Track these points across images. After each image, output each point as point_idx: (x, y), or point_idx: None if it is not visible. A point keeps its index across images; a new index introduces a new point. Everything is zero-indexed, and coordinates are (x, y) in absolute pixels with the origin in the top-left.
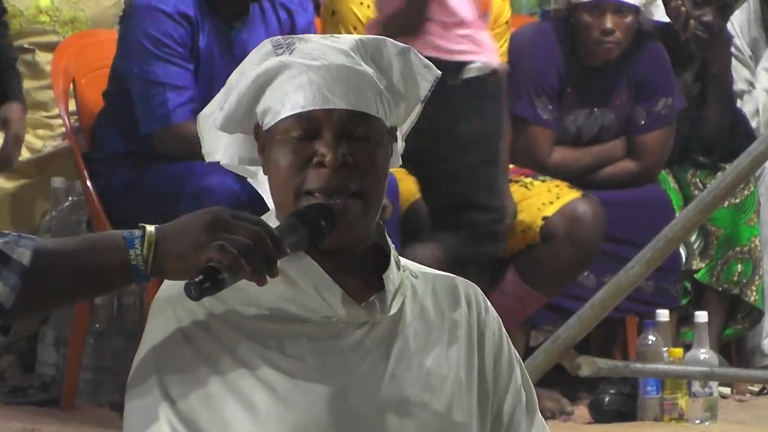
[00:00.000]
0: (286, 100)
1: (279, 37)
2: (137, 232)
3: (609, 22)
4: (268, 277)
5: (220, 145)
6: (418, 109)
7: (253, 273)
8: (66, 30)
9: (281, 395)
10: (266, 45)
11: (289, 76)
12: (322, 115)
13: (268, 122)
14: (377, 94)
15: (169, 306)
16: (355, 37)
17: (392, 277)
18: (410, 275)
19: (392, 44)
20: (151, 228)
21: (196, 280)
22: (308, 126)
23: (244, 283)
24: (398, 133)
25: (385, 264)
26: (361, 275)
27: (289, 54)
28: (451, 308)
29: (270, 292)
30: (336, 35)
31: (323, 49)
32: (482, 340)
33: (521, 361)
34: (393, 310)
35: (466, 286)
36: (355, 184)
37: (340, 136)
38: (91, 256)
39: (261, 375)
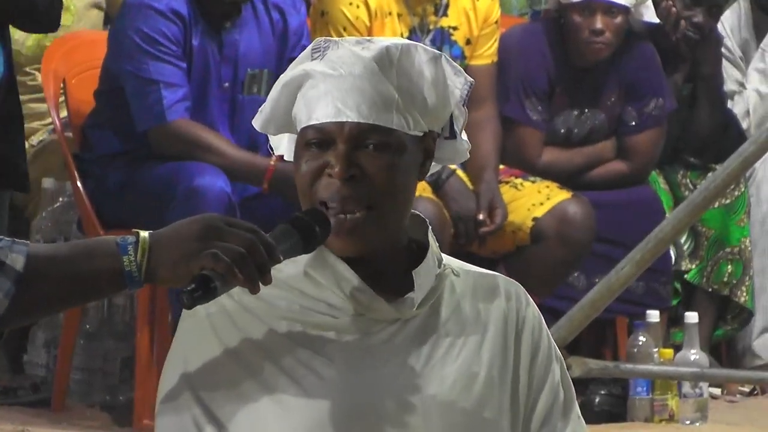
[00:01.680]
0: (306, 110)
1: (322, 39)
2: (130, 238)
3: (599, 23)
4: (274, 282)
5: (283, 140)
6: (463, 109)
7: (246, 281)
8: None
9: (307, 391)
10: (309, 47)
11: (311, 85)
12: (335, 127)
13: (297, 128)
14: (394, 105)
15: (201, 307)
16: (386, 42)
17: (424, 274)
18: (451, 273)
19: (423, 50)
20: (144, 234)
21: (188, 289)
22: (323, 137)
23: (274, 283)
24: (456, 131)
25: (422, 261)
26: (397, 272)
27: (320, 60)
28: (489, 306)
29: (299, 292)
30: (372, 39)
31: (347, 57)
32: (519, 338)
33: (562, 359)
34: (424, 307)
35: (507, 283)
36: (366, 195)
37: (352, 147)
38: (84, 262)
39: (289, 371)
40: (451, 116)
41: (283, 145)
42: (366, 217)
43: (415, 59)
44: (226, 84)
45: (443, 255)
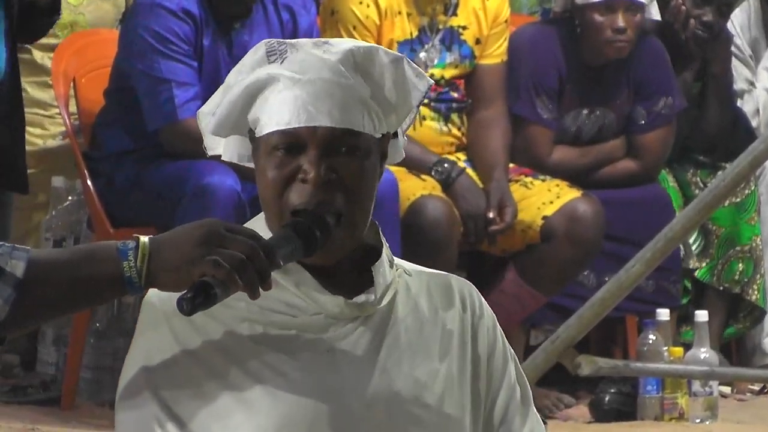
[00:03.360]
0: (273, 115)
1: (274, 41)
2: (131, 243)
3: (621, 21)
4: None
5: (221, 140)
6: (413, 113)
7: (246, 287)
8: (66, 33)
9: (271, 389)
10: (261, 49)
11: (276, 89)
12: (307, 132)
13: (258, 132)
14: (364, 109)
15: (161, 309)
16: (347, 45)
17: (382, 271)
18: (404, 273)
19: (385, 53)
20: (144, 239)
21: (189, 296)
22: (293, 141)
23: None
24: (399, 131)
25: (376, 262)
26: (351, 273)
27: (280, 63)
28: (445, 305)
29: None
30: (329, 41)
31: (311, 61)
32: (476, 337)
33: (516, 356)
34: (381, 304)
35: (460, 284)
36: (340, 200)
37: (325, 152)
38: (84, 268)
39: (252, 371)
40: None
41: (220, 145)
42: (337, 227)
43: (376, 61)
44: None
45: (394, 257)
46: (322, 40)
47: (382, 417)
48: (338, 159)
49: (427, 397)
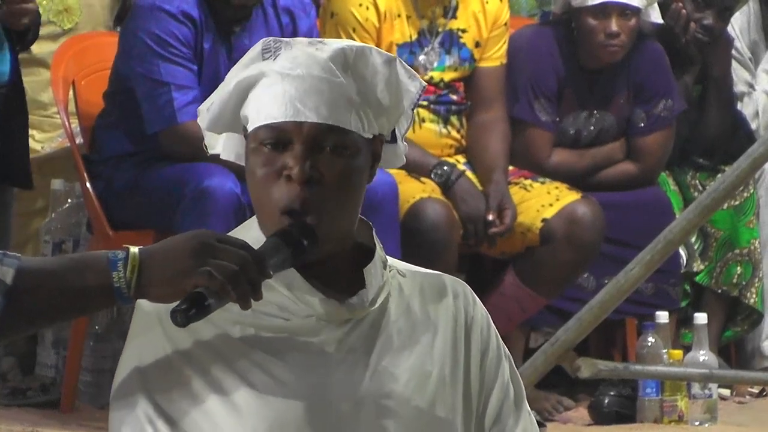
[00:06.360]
0: (261, 110)
1: (271, 39)
2: (121, 254)
3: (614, 25)
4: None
5: (220, 139)
6: (410, 114)
7: (239, 298)
8: (61, 19)
9: (261, 392)
10: (258, 47)
11: (266, 84)
12: (293, 128)
13: (248, 128)
14: (352, 107)
15: (154, 312)
16: (341, 44)
17: (374, 273)
18: (397, 274)
19: (378, 53)
20: (134, 250)
21: (183, 307)
22: (279, 137)
23: None
24: (398, 136)
25: (369, 263)
26: (344, 274)
27: (273, 60)
28: (438, 305)
29: None
30: (324, 41)
31: (303, 57)
32: (469, 337)
33: (510, 356)
34: (373, 307)
35: (454, 283)
36: (324, 198)
37: (310, 149)
38: (74, 277)
39: (243, 373)
40: None
41: (219, 144)
42: (320, 225)
43: (369, 61)
44: None
45: (388, 257)
46: (317, 39)
47: (372, 419)
48: (324, 156)
49: (418, 399)
